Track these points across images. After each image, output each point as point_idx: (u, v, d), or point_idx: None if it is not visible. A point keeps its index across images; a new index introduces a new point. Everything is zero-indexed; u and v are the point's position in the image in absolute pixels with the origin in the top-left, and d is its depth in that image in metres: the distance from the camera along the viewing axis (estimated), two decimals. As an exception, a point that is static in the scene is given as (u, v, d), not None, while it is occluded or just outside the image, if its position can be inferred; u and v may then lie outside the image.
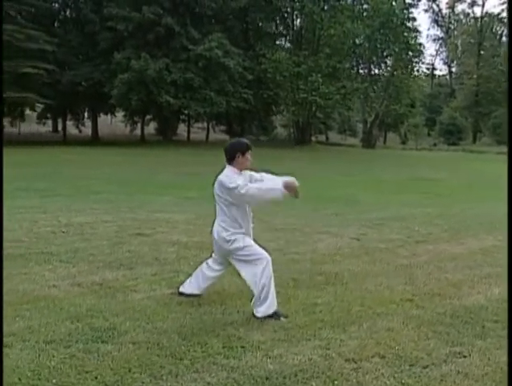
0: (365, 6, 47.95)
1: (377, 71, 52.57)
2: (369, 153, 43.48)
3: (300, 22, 48.09)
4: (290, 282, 6.44)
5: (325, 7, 45.77)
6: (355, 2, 47.34)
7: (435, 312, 5.39)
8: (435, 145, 64.02)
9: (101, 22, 39.74)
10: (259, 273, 5.18)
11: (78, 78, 39.32)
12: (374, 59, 48.26)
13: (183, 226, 10.00)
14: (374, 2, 45.88)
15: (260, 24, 47.98)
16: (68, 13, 46.00)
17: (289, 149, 42.92)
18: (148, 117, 51.39)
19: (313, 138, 56.65)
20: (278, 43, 49.56)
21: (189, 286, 5.72)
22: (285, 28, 50.47)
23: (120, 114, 55.13)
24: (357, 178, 22.68)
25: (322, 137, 64.92)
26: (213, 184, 5.35)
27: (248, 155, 5.36)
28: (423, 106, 76.32)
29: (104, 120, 56.76)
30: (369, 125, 53.17)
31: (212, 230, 5.48)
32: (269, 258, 5.25)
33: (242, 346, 4.33)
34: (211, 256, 5.72)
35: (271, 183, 5.29)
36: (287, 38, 51.01)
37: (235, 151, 5.39)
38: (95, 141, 45.58)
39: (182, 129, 57.08)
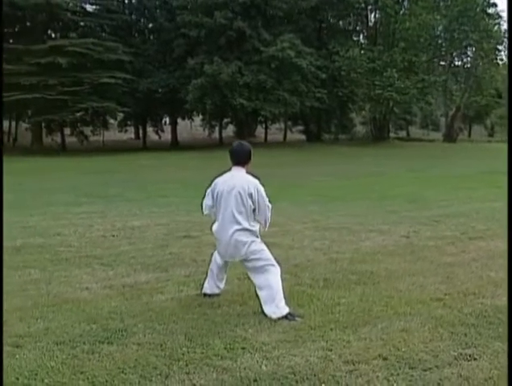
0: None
1: (458, 62, 50.74)
2: (449, 148, 42.01)
3: (374, 17, 47.21)
4: (320, 282, 6.34)
5: (399, 0, 44.66)
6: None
7: (462, 312, 5.15)
8: (523, 136, 60.91)
9: (175, 30, 40.72)
10: (271, 277, 5.21)
11: (154, 85, 40.45)
12: (453, 50, 46.48)
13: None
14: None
15: (333, 22, 47.48)
16: (144, 23, 47.38)
17: (366, 146, 42.21)
18: (226, 120, 52.08)
19: (393, 134, 55.46)
20: (352, 39, 48.77)
21: (209, 286, 5.77)
22: (359, 24, 49.70)
23: (198, 119, 56.18)
24: (428, 174, 21.99)
25: (403, 133, 63.41)
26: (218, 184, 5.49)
27: None
28: (512, 96, 72.76)
29: (184, 125, 58.03)
30: (449, 119, 51.39)
31: (218, 235, 5.45)
32: (278, 267, 5.36)
33: (243, 348, 4.31)
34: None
35: None
36: (362, 34, 50.20)
37: (251, 155, 5.49)
38: (175, 146, 46.71)
39: (261, 131, 57.45)
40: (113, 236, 9.26)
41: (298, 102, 39.72)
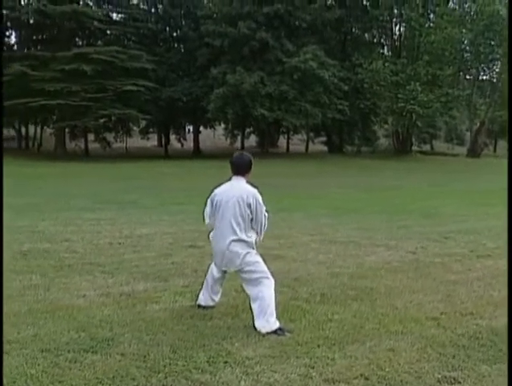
0: (467, 10, 45.88)
1: (484, 76, 50.21)
2: (472, 163, 41.55)
3: (399, 30, 46.99)
4: (317, 297, 6.28)
5: (424, 13, 44.38)
6: (457, 7, 45.48)
7: (455, 333, 5.05)
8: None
9: (199, 39, 41.00)
10: (265, 289, 5.16)
11: (177, 94, 40.60)
12: (478, 64, 45.95)
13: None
14: (478, 4, 43.83)
15: (357, 34, 47.39)
16: (169, 32, 47.73)
17: (388, 159, 41.92)
18: (248, 130, 52.16)
19: (416, 148, 54.99)
20: (376, 51, 48.55)
21: (204, 298, 5.75)
22: (383, 37, 49.51)
23: (221, 128, 56.38)
24: (447, 189, 21.76)
25: (427, 147, 62.78)
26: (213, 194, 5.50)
27: None
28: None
29: (207, 134, 58.29)
30: (473, 133, 50.85)
31: (215, 244, 5.46)
32: (273, 280, 5.30)
33: (225, 362, 4.27)
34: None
35: None
36: (386, 46, 49.98)
37: (251, 165, 5.48)
38: (197, 154, 46.92)
39: (283, 141, 57.42)
40: (120, 243, 9.30)
41: (319, 113, 39.56)
